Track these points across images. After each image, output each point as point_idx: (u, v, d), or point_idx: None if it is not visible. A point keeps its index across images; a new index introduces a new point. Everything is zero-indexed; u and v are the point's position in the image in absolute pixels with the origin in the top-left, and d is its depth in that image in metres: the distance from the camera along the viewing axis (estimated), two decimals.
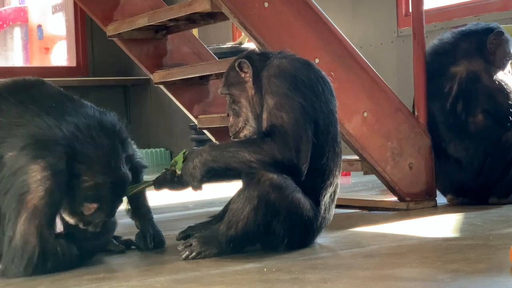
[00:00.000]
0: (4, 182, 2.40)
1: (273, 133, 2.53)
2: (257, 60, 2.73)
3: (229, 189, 2.74)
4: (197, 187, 2.59)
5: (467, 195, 3.60)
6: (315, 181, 2.64)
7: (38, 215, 2.37)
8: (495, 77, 3.55)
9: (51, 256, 2.40)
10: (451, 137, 3.58)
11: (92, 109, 2.61)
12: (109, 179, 2.49)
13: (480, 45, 3.62)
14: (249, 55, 2.76)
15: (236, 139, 2.72)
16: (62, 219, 2.71)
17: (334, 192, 2.72)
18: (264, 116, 2.60)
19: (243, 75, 2.72)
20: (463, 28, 3.76)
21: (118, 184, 2.52)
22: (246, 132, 2.71)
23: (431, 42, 3.81)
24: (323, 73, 2.74)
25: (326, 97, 2.67)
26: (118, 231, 2.87)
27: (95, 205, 2.51)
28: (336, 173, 2.69)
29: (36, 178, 2.37)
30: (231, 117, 2.75)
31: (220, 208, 2.97)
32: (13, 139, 2.42)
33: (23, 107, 2.50)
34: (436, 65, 3.66)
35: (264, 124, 2.59)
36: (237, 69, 2.72)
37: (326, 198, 2.67)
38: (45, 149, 2.39)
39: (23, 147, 2.39)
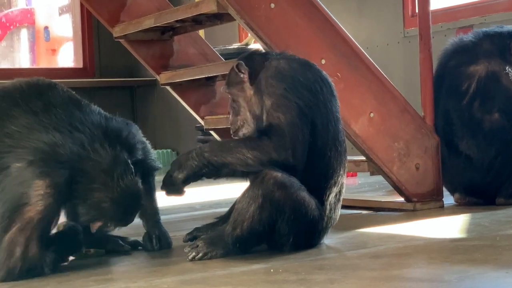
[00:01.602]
0: (6, 191, 2.43)
1: (271, 133, 2.56)
2: (257, 61, 2.75)
3: (236, 190, 2.74)
4: (180, 186, 2.59)
5: (475, 193, 3.60)
6: (319, 180, 2.64)
7: (30, 228, 2.39)
8: None
9: (34, 269, 2.41)
10: (464, 133, 3.58)
11: (99, 116, 2.62)
12: (109, 194, 2.48)
13: (503, 47, 3.61)
14: (249, 56, 2.80)
15: (236, 137, 2.75)
16: (69, 217, 2.72)
17: (340, 191, 2.72)
18: (264, 117, 2.63)
19: (241, 76, 2.75)
20: (486, 29, 3.76)
21: (121, 195, 2.50)
22: (245, 131, 2.74)
23: (450, 39, 3.81)
24: (324, 73, 2.75)
25: (325, 96, 2.68)
26: (124, 232, 2.88)
27: (99, 223, 2.54)
28: (341, 172, 2.69)
29: (38, 193, 2.39)
30: (231, 115, 2.79)
31: (226, 209, 2.97)
32: (22, 150, 2.45)
33: (35, 118, 2.52)
34: (454, 62, 3.66)
35: (263, 124, 2.62)
36: (236, 70, 2.75)
37: (331, 198, 2.67)
38: (51, 168, 2.42)
39: (30, 162, 2.42)
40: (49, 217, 2.42)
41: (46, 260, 2.43)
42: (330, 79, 2.75)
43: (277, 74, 2.66)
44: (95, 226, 2.56)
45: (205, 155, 2.56)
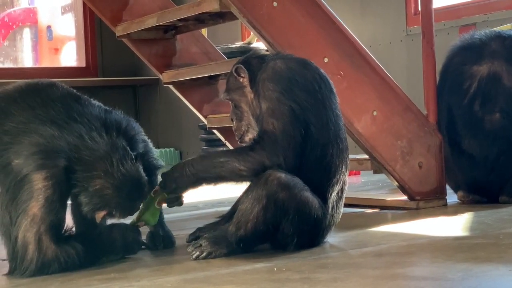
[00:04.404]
0: (12, 189, 2.44)
1: (264, 140, 2.58)
2: (255, 64, 2.74)
3: (238, 188, 2.74)
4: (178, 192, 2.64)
5: (479, 191, 3.59)
6: (321, 179, 2.64)
7: (37, 223, 2.40)
8: None
9: (51, 262, 2.42)
10: (466, 132, 3.57)
11: (98, 109, 2.62)
12: (110, 180, 2.48)
13: None
14: (247, 59, 2.78)
15: (243, 143, 2.76)
16: (76, 220, 2.72)
17: (342, 189, 2.71)
18: (260, 120, 2.63)
19: (241, 80, 2.74)
20: (501, 31, 3.72)
21: (123, 181, 2.50)
22: (251, 135, 2.74)
23: (462, 35, 3.78)
24: (321, 70, 2.74)
25: (324, 95, 2.68)
26: None
27: (103, 212, 2.54)
28: (343, 170, 2.69)
29: (37, 187, 2.40)
30: (234, 122, 2.79)
31: (229, 208, 2.97)
32: (19, 146, 2.46)
33: (32, 112, 2.52)
34: (459, 59, 3.63)
35: (259, 129, 2.64)
36: (235, 74, 2.75)
37: (333, 196, 2.67)
38: (48, 160, 2.42)
39: (27, 156, 2.43)
40: (53, 208, 2.42)
41: (62, 252, 2.43)
42: (328, 77, 2.75)
43: (273, 75, 2.65)
44: (100, 215, 2.54)
45: (198, 173, 2.60)
